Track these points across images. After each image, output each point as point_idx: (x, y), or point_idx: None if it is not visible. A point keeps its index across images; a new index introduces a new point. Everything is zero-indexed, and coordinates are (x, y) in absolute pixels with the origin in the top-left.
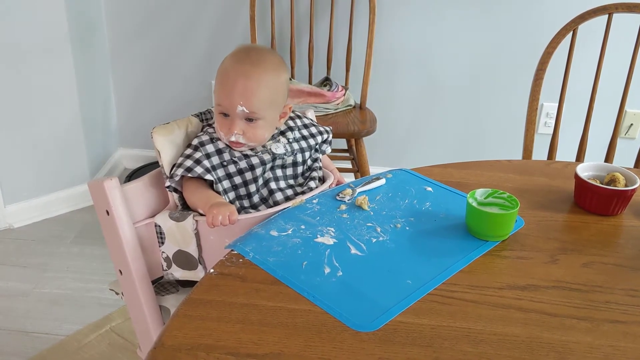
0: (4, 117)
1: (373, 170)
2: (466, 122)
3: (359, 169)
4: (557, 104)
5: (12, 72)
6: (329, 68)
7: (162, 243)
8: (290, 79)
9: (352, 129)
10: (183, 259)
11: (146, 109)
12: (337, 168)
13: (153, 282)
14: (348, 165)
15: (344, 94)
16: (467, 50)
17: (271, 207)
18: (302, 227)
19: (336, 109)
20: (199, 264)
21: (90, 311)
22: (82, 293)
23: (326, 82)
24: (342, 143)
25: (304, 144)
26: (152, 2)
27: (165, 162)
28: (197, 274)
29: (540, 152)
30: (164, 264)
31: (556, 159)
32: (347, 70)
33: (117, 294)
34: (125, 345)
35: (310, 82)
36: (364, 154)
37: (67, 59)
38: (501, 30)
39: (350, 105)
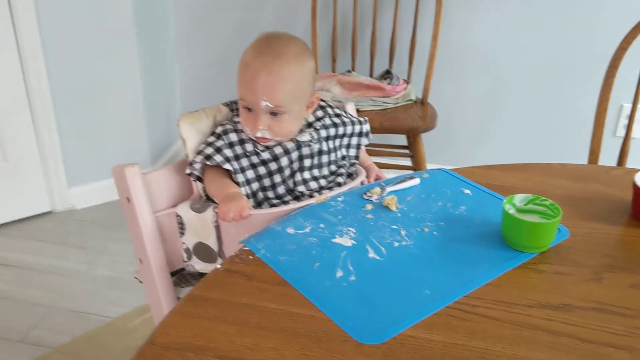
0: (69, 101)
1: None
2: (533, 122)
3: (416, 167)
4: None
5: (77, 57)
6: (391, 61)
7: (183, 234)
8: (350, 71)
9: (411, 125)
10: (203, 251)
11: (210, 97)
12: (395, 165)
13: (175, 272)
14: (407, 162)
15: (405, 88)
16: (538, 46)
17: (297, 197)
18: (322, 225)
19: (396, 104)
20: (219, 258)
21: (140, 295)
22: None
23: (387, 75)
24: (401, 139)
25: (332, 131)
26: None
27: (190, 150)
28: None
29: (613, 157)
30: (185, 256)
31: (627, 166)
32: (410, 63)
33: (140, 282)
34: None
35: (371, 75)
36: (422, 151)
37: (131, 44)
38: (574, 25)
39: (411, 99)
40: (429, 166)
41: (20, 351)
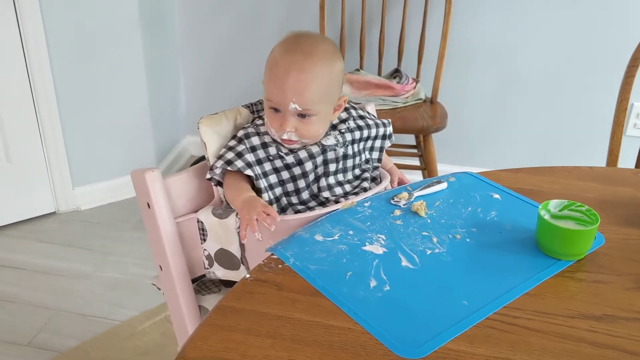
0: (73, 102)
1: (441, 168)
2: (547, 122)
3: (426, 167)
4: None
5: (82, 58)
6: (399, 59)
7: (204, 240)
8: (358, 70)
9: (421, 124)
10: (225, 258)
11: (215, 97)
12: (403, 165)
13: (195, 279)
14: (415, 162)
15: (414, 87)
16: (551, 44)
17: (322, 203)
18: (350, 232)
19: (405, 103)
20: (242, 265)
21: (147, 298)
22: (141, 279)
23: (396, 74)
24: (410, 138)
25: (357, 134)
26: None
27: (211, 154)
28: (240, 275)
29: (629, 158)
30: (206, 262)
31: None
32: (419, 62)
33: (158, 289)
34: None
35: (379, 74)
36: (432, 151)
37: (136, 44)
38: (589, 22)
39: (420, 99)
40: (438, 166)
41: (27, 355)
